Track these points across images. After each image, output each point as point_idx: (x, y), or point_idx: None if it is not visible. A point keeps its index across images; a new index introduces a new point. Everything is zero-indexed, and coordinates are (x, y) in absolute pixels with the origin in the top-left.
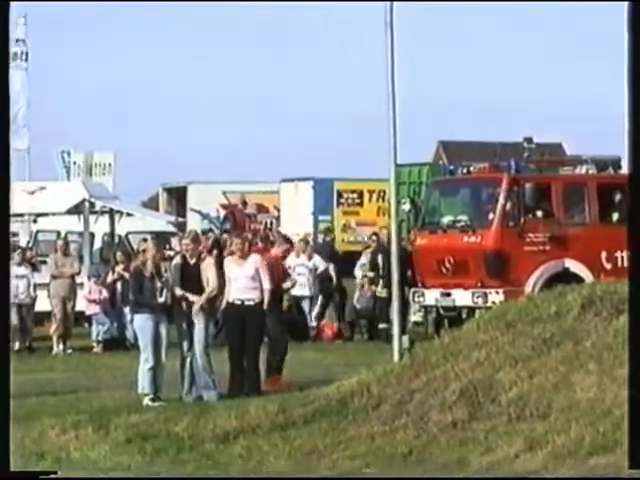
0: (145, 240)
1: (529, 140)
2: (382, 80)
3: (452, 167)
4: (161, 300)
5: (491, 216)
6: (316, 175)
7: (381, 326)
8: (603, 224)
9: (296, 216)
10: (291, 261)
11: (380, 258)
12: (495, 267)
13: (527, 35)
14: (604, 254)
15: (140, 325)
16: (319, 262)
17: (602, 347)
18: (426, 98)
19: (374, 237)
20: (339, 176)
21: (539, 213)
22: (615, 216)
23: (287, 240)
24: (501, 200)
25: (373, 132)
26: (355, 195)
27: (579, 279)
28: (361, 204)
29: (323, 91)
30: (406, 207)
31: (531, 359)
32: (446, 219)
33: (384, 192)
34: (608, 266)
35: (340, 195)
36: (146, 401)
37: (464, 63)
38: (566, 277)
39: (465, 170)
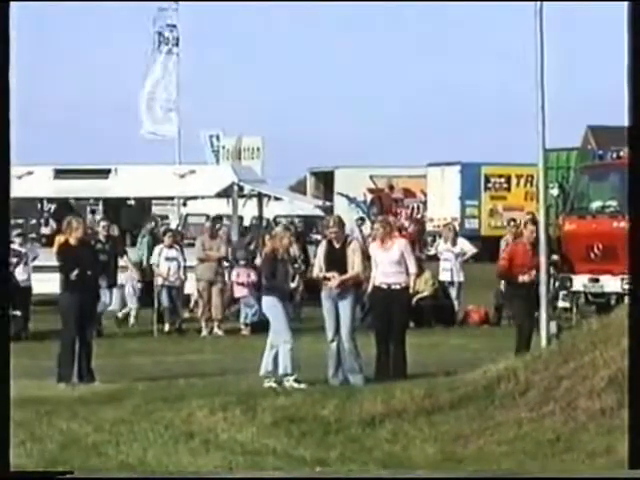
0: (291, 223)
1: None
2: (532, 65)
3: (601, 152)
4: (293, 285)
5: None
6: (463, 159)
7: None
8: None
9: (443, 201)
10: (439, 247)
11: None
12: None
13: None
14: None
15: (270, 307)
16: (466, 247)
17: None
18: (576, 83)
19: (512, 222)
20: (486, 160)
21: None
22: None
23: (418, 222)
24: None
25: (521, 116)
26: (503, 180)
27: None
28: (509, 189)
29: (471, 75)
30: (554, 192)
31: None
32: (595, 204)
33: (532, 177)
34: None
35: (487, 180)
36: (290, 382)
37: (614, 48)
38: None
39: (615, 155)
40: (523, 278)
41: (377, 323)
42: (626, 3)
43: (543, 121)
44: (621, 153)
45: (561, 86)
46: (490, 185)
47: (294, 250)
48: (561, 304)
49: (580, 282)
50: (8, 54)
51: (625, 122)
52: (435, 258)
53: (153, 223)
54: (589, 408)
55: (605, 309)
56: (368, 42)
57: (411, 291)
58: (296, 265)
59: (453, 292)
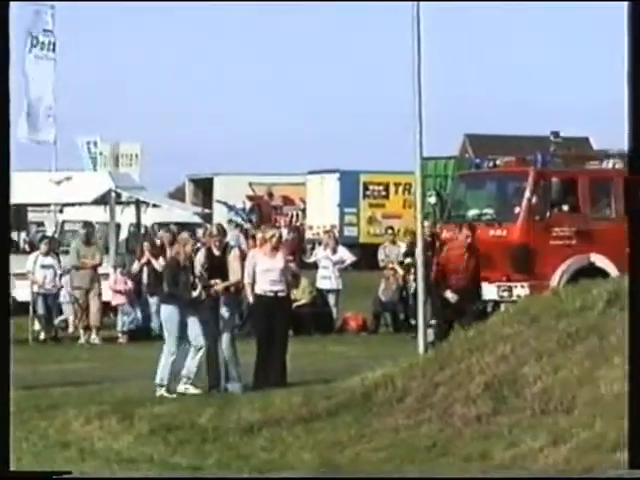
0: (169, 232)
1: (556, 134)
2: (409, 74)
3: (478, 160)
4: (195, 294)
5: (517, 210)
6: (342, 167)
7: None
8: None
9: (322, 208)
10: (318, 254)
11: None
12: (521, 261)
13: (557, 29)
14: None
15: (167, 316)
16: (345, 255)
17: (627, 342)
18: (453, 92)
19: (390, 231)
20: (365, 169)
21: (565, 207)
22: None
23: (297, 229)
24: (527, 194)
25: (400, 125)
26: (381, 188)
27: (605, 274)
28: (387, 197)
29: (349, 85)
30: (432, 200)
31: (556, 353)
32: (472, 212)
33: (410, 185)
34: None
35: (366, 187)
36: (161, 392)
37: (491, 57)
38: (591, 272)
39: (491, 164)
40: (450, 295)
41: (259, 330)
42: (626, 3)
43: (420, 130)
44: (497, 162)
45: (439, 95)
46: (369, 193)
47: (200, 257)
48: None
49: None
50: (8, 54)
51: (501, 131)
52: (314, 266)
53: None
54: (465, 415)
55: (481, 316)
56: (244, 49)
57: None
58: (197, 272)
59: (331, 299)
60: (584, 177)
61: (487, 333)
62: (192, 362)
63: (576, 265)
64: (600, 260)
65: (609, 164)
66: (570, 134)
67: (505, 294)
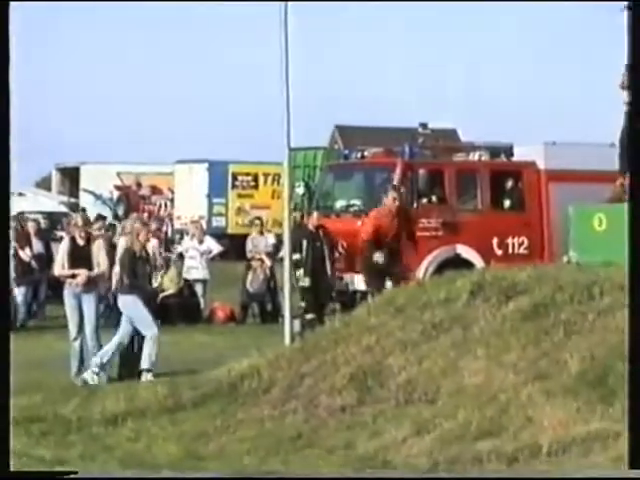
0: (34, 221)
1: (424, 125)
2: (277, 66)
3: (347, 151)
4: (155, 284)
5: (384, 201)
6: (211, 157)
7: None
8: (495, 210)
9: (190, 198)
10: (185, 244)
11: (305, 242)
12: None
13: (430, 21)
14: (495, 240)
15: (131, 306)
16: (212, 245)
17: (490, 333)
18: (323, 84)
19: (257, 221)
20: (234, 159)
21: (432, 199)
22: (507, 203)
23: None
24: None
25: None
26: (250, 178)
27: (470, 265)
28: (256, 187)
29: (219, 73)
30: (300, 191)
31: (420, 344)
32: (339, 203)
33: (279, 176)
34: (499, 252)
35: (235, 178)
36: (148, 377)
37: (363, 52)
38: (457, 263)
39: (359, 155)
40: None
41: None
42: (626, 3)
43: (288, 120)
44: (365, 153)
45: (309, 87)
46: (237, 183)
47: (152, 247)
48: (304, 303)
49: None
50: (8, 54)
51: (371, 123)
52: (182, 255)
53: None
54: (330, 405)
55: (349, 307)
56: (113, 42)
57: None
58: (158, 262)
59: (199, 290)
60: (451, 169)
61: (353, 324)
62: (152, 349)
63: (442, 256)
64: (466, 251)
65: (475, 156)
66: (438, 126)
67: None
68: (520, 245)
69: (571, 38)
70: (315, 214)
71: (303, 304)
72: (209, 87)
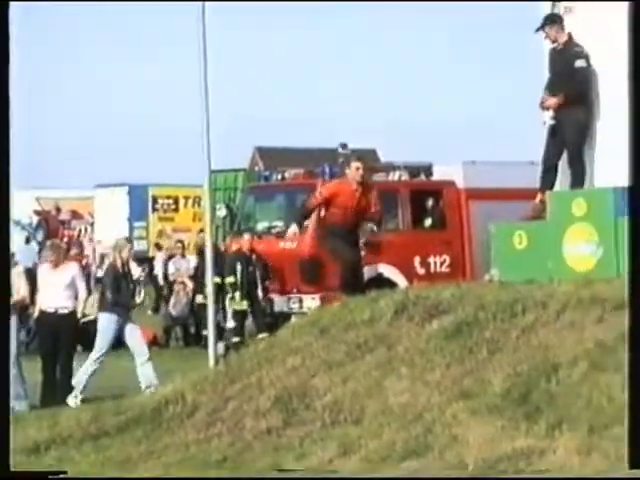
0: None
1: (344, 146)
2: (197, 89)
3: (267, 173)
4: (138, 300)
5: (306, 222)
6: (131, 181)
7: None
8: (416, 229)
9: (111, 222)
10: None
11: (239, 265)
12: (310, 273)
13: (348, 43)
14: (417, 259)
15: (107, 325)
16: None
17: (414, 352)
18: (243, 105)
19: (179, 244)
20: (154, 182)
21: None
22: (428, 222)
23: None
24: None
25: (188, 138)
26: (171, 201)
27: (393, 284)
28: (177, 210)
29: (138, 96)
30: (221, 213)
31: (345, 364)
32: (261, 225)
33: (200, 198)
34: (421, 271)
35: (155, 201)
36: (76, 400)
37: (280, 74)
38: (380, 282)
39: (280, 176)
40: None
41: (43, 348)
42: (626, 3)
43: (208, 142)
44: (286, 174)
45: (229, 109)
46: (158, 206)
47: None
48: (230, 324)
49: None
50: (8, 54)
51: (291, 144)
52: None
53: None
54: (255, 428)
55: (273, 328)
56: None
57: (79, 315)
58: (141, 278)
59: None
60: None
61: (277, 345)
62: (148, 370)
63: (365, 276)
64: (388, 270)
65: (395, 176)
66: (358, 146)
67: (295, 306)
68: (442, 263)
69: (486, 55)
70: (246, 236)
71: (232, 325)
72: (128, 111)
